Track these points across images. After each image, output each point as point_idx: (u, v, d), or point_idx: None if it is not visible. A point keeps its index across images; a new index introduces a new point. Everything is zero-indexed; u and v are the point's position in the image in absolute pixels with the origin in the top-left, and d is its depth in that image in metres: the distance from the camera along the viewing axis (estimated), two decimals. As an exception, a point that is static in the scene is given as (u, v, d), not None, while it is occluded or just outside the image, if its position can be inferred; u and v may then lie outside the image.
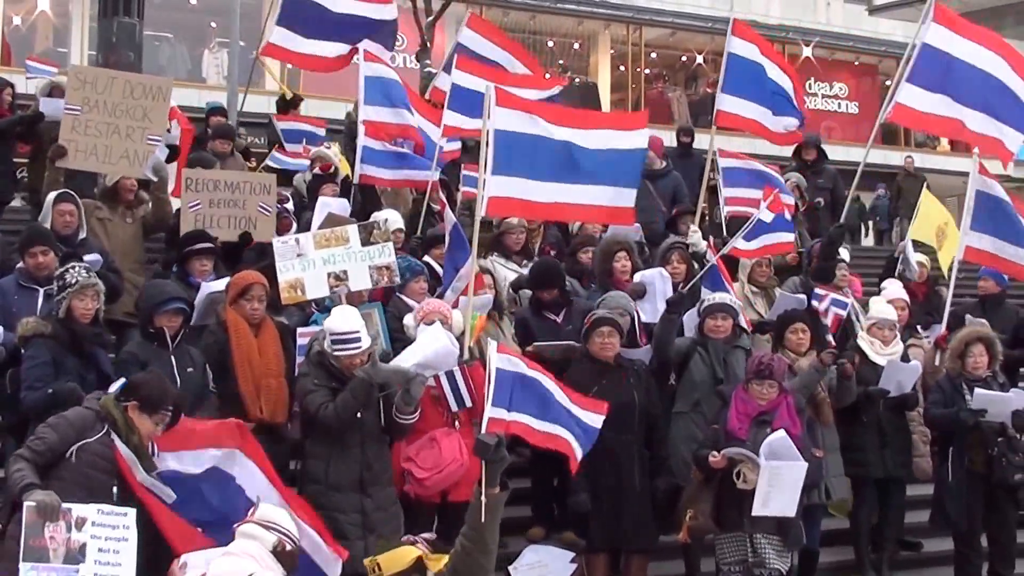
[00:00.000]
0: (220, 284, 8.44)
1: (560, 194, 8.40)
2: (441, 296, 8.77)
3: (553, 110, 8.76)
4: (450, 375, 7.61)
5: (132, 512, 5.79)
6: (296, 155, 14.23)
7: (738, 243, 10.04)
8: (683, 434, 8.51)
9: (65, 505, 5.60)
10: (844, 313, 9.99)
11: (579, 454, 6.92)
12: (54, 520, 5.53)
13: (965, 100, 10.18)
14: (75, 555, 5.50)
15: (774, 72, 11.52)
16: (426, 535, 6.05)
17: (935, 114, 10.18)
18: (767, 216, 10.17)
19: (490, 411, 6.34)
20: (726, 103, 11.23)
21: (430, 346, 7.30)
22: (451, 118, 11.18)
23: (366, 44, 12.62)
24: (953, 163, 33.35)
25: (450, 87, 11.32)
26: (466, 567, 5.72)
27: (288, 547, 5.74)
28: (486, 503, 5.74)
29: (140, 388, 6.37)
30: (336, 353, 7.27)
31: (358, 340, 7.31)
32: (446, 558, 5.77)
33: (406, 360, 7.21)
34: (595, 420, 7.14)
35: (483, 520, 5.71)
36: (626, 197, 8.70)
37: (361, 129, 11.39)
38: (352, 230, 8.75)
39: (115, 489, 6.10)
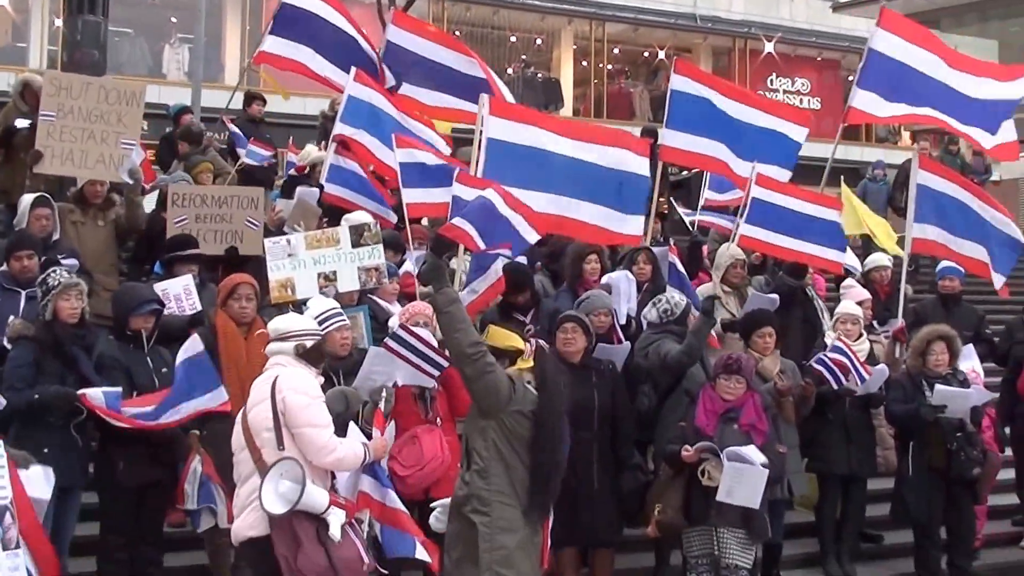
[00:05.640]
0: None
1: (559, 207, 8.42)
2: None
3: (550, 120, 8.76)
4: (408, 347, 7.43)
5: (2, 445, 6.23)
6: (263, 145, 14.11)
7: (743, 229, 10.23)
8: None
9: None
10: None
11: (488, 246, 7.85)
12: None
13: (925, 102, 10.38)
14: None
15: (728, 105, 10.99)
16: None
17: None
18: (759, 192, 10.27)
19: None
20: (670, 138, 10.68)
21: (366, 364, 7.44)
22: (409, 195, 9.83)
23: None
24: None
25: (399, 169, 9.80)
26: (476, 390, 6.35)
27: (309, 343, 6.28)
28: (434, 306, 6.33)
29: None
30: (325, 332, 7.19)
31: (341, 314, 7.56)
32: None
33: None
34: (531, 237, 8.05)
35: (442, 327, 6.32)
36: (633, 225, 8.75)
37: (332, 147, 10.81)
38: (343, 231, 8.85)
39: None
